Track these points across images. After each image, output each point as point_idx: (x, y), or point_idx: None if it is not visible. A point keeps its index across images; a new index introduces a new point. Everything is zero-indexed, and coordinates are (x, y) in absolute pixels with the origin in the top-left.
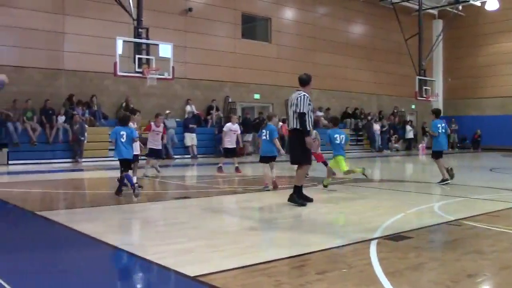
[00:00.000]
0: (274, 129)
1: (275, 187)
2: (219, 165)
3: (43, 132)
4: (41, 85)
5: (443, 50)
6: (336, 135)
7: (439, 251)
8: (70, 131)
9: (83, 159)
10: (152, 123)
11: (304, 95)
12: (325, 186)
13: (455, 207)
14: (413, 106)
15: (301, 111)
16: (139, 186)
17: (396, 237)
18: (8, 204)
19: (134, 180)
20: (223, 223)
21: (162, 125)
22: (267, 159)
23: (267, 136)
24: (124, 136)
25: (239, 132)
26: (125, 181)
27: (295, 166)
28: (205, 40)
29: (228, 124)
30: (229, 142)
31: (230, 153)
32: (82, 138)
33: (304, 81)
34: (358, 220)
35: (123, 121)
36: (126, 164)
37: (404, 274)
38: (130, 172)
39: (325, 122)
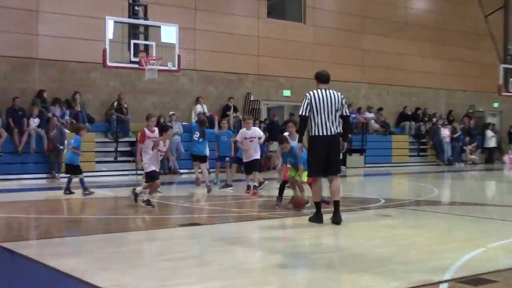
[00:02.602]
0: None
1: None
2: (248, 184)
3: (9, 139)
4: (8, 79)
5: None
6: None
7: None
8: (46, 138)
9: (62, 174)
10: (146, 129)
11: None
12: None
13: None
14: (495, 105)
15: (347, 113)
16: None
17: (475, 281)
18: None
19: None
20: (242, 258)
21: (157, 129)
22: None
23: None
24: None
25: (258, 138)
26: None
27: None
28: (220, 20)
29: (242, 131)
30: (244, 153)
31: (246, 167)
32: (61, 147)
33: (329, 79)
34: (422, 256)
35: None
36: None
37: None
38: None
39: (377, 126)
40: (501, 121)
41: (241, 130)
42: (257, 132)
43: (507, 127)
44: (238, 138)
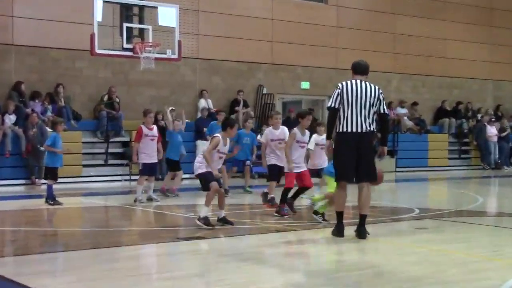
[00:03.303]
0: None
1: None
2: (266, 193)
3: None
4: None
5: None
6: None
7: None
8: (24, 138)
9: (44, 180)
10: (143, 126)
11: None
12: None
13: None
14: None
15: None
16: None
17: None
18: None
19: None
20: (254, 276)
21: (155, 126)
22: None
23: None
24: None
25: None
26: None
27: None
28: (227, 0)
29: (268, 131)
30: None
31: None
32: (42, 149)
33: (368, 70)
34: (462, 276)
35: None
36: None
37: None
38: None
39: (410, 123)
40: None
41: (267, 129)
42: (285, 133)
43: None
44: (263, 139)
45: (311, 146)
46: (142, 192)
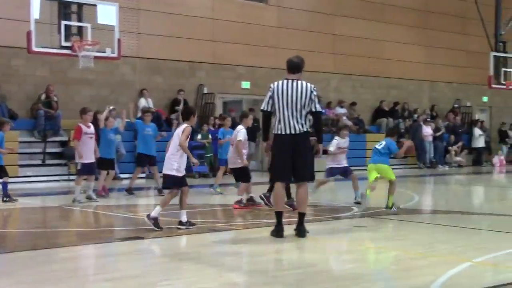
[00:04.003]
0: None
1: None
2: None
3: None
4: None
5: None
6: None
7: None
8: None
9: None
10: (81, 125)
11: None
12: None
13: None
14: (485, 99)
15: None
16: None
17: None
18: None
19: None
20: (194, 277)
21: (92, 125)
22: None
23: None
24: None
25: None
26: None
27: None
28: None
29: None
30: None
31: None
32: None
33: (300, 67)
34: (400, 273)
35: None
36: None
37: None
38: None
39: (349, 123)
40: (490, 118)
41: (242, 128)
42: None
43: (497, 124)
44: (242, 137)
45: (332, 148)
46: (81, 192)
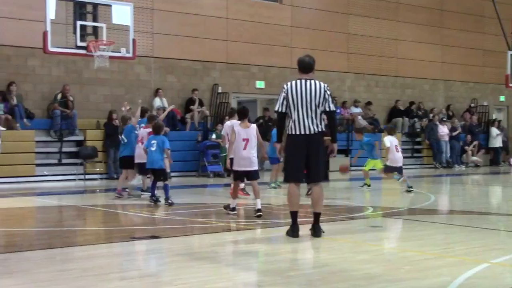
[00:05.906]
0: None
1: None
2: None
3: None
4: None
5: None
6: None
7: None
8: None
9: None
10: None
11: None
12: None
13: None
14: (502, 98)
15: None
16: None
17: None
18: None
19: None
20: (209, 276)
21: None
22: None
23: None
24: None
25: None
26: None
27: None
28: None
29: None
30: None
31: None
32: None
33: (312, 66)
34: (415, 273)
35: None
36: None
37: None
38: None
39: (364, 123)
40: (508, 117)
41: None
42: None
43: None
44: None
45: (388, 144)
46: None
